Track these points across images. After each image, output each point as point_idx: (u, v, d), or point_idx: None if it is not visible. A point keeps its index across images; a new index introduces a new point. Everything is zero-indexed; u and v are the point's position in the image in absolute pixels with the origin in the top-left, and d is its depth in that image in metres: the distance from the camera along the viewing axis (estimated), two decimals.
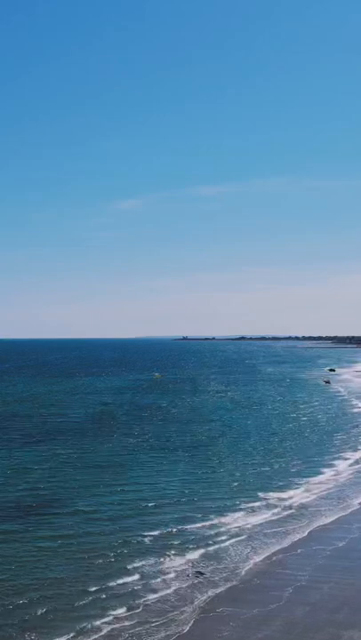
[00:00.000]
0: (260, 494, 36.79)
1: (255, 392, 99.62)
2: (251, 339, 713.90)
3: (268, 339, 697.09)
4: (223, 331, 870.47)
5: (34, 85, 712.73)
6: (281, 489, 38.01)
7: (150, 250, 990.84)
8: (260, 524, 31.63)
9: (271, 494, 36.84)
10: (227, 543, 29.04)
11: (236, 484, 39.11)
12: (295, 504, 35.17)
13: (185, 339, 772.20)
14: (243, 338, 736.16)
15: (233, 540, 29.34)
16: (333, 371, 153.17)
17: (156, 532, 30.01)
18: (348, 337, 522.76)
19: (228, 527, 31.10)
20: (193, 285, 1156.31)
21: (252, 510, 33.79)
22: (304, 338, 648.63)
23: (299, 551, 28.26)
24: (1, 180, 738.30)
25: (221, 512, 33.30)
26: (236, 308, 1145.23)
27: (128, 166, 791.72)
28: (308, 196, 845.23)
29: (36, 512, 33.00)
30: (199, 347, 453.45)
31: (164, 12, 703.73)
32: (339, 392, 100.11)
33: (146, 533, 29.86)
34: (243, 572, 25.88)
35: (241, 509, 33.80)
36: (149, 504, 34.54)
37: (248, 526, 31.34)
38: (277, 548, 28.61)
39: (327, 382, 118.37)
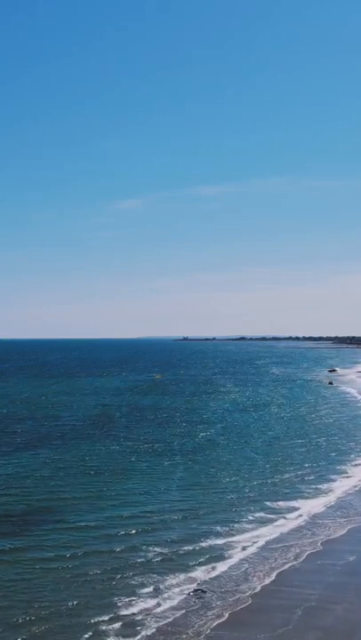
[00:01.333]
0: (266, 504, 34.85)
1: (257, 393, 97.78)
2: (251, 339, 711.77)
3: (269, 339, 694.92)
4: (223, 331, 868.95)
5: (34, 85, 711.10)
6: (287, 498, 36.07)
7: (150, 250, 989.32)
8: (267, 537, 29.69)
9: (277, 504, 34.91)
10: (231, 559, 27.11)
11: (240, 492, 37.15)
12: (303, 515, 33.22)
13: (185, 339, 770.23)
14: (243, 338, 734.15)
15: (238, 555, 27.44)
16: (335, 371, 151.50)
17: (155, 548, 28.01)
18: (348, 337, 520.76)
19: (233, 541, 29.19)
20: (193, 285, 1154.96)
21: (258, 522, 31.82)
22: (304, 338, 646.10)
23: (308, 566, 26.41)
24: (1, 180, 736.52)
25: (224, 523, 31.37)
26: (237, 308, 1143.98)
27: (128, 166, 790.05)
28: (308, 196, 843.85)
29: (26, 526, 30.70)
30: (200, 347, 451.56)
31: (164, 11, 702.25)
32: (343, 393, 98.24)
33: (144, 548, 27.93)
34: (248, 591, 24.01)
35: (245, 521, 31.88)
36: (148, 515, 32.53)
37: (253, 539, 29.41)
38: (285, 563, 26.75)
39: (330, 383, 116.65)
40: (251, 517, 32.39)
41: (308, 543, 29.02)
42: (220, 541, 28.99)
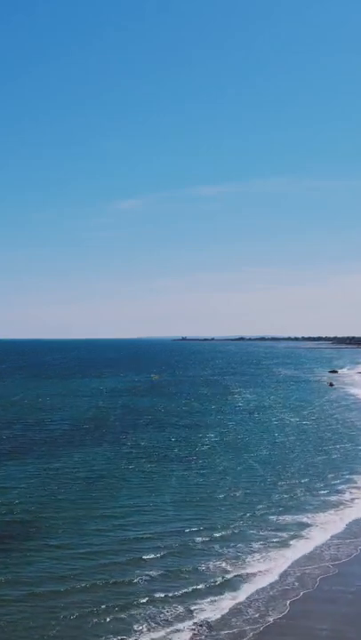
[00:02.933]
0: (271, 519, 31.89)
1: (256, 395, 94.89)
2: (250, 339, 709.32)
3: (268, 339, 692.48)
4: (222, 331, 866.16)
5: (34, 85, 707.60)
6: (294, 512, 33.10)
7: (150, 250, 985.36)
8: (274, 559, 26.66)
9: (283, 519, 31.91)
10: (237, 587, 24.01)
11: (241, 507, 34.08)
12: (312, 532, 30.19)
13: (184, 339, 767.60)
14: (242, 338, 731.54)
15: (244, 583, 24.34)
16: (335, 372, 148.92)
17: (152, 572, 25.07)
18: (347, 337, 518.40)
19: (237, 564, 26.11)
20: (193, 285, 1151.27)
21: (263, 541, 28.79)
22: (303, 338, 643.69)
23: (321, 595, 23.45)
24: (1, 180, 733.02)
25: (226, 544, 28.32)
26: (236, 309, 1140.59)
27: (128, 166, 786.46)
28: (308, 196, 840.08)
29: (7, 551, 27.28)
30: (198, 347, 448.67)
31: (164, 11, 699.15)
32: (347, 395, 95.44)
33: (138, 575, 24.83)
34: (256, 625, 21.14)
35: (250, 541, 28.85)
36: (141, 536, 29.37)
37: (259, 563, 26.31)
38: (296, 590, 23.84)
39: (331, 385, 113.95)
40: (255, 537, 29.37)
41: (320, 567, 26.04)
42: (222, 566, 25.96)
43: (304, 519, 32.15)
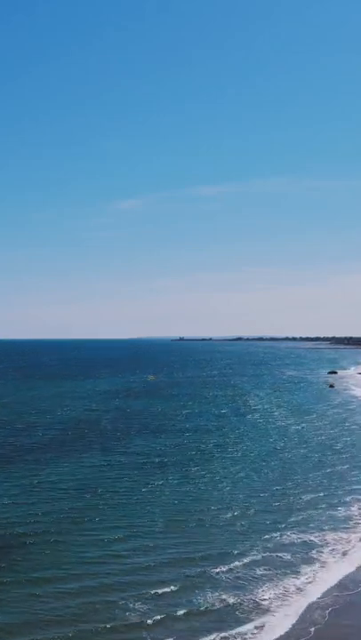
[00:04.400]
0: (274, 537, 28.84)
1: (256, 396, 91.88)
2: (248, 339, 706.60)
3: (266, 339, 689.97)
4: (221, 331, 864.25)
5: (34, 85, 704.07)
6: (298, 529, 29.98)
7: (150, 250, 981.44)
8: (279, 587, 23.58)
9: (287, 537, 28.85)
10: (244, 623, 20.88)
11: (243, 524, 30.91)
12: (322, 553, 27.10)
13: (182, 339, 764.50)
14: (240, 338, 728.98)
15: (250, 619, 21.16)
16: (335, 373, 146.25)
17: (142, 607, 21.87)
18: (346, 337, 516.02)
19: (241, 596, 22.75)
20: (193, 285, 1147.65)
21: (266, 565, 25.63)
22: (302, 338, 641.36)
23: (333, 633, 20.58)
24: (1, 180, 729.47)
25: (228, 570, 25.08)
26: (235, 309, 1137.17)
27: (128, 166, 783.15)
28: (308, 196, 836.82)
29: None
30: (197, 347, 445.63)
31: (164, 11, 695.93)
32: (346, 397, 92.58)
33: (126, 607, 21.68)
34: None
35: (254, 565, 25.64)
36: (131, 560, 26.31)
37: (266, 595, 22.92)
38: (305, 629, 20.90)
39: (331, 386, 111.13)
40: (259, 561, 26.18)
41: (331, 597, 23.03)
42: (225, 599, 22.58)
43: (312, 538, 29.14)
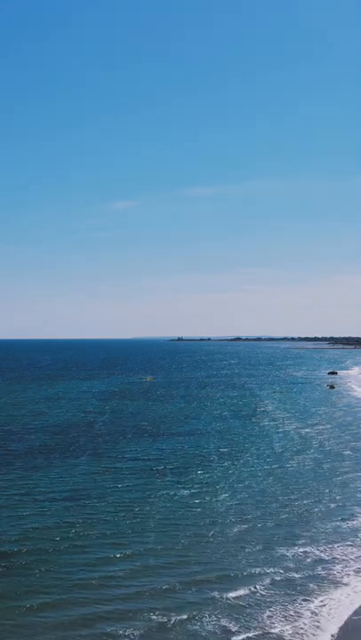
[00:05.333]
0: (281, 553, 26.31)
1: (255, 398, 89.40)
2: (247, 339, 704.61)
3: (264, 339, 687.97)
4: (219, 331, 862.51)
5: (33, 85, 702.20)
6: (306, 545, 27.44)
7: (147, 250, 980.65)
8: (286, 610, 20.96)
9: (295, 553, 26.32)
10: None
11: (245, 537, 28.43)
12: (331, 573, 24.51)
13: (180, 339, 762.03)
14: (238, 338, 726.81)
15: None
16: (335, 373, 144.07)
17: (139, 634, 19.40)
18: (344, 338, 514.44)
19: (248, 626, 20.22)
20: (190, 286, 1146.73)
21: (276, 587, 23.06)
22: (300, 339, 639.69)
23: None
24: (1, 180, 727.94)
25: (232, 592, 22.54)
26: (233, 309, 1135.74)
27: (126, 167, 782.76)
28: (308, 196, 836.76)
29: None
30: (195, 348, 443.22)
31: (163, 12, 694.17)
32: (348, 400, 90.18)
33: (123, 629, 19.42)
34: None
35: (260, 584, 23.18)
36: (126, 576, 23.89)
37: (276, 623, 20.39)
38: None
39: (332, 387, 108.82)
40: (265, 579, 23.63)
41: (351, 622, 20.60)
42: (229, 628, 20.06)
43: (319, 553, 26.67)
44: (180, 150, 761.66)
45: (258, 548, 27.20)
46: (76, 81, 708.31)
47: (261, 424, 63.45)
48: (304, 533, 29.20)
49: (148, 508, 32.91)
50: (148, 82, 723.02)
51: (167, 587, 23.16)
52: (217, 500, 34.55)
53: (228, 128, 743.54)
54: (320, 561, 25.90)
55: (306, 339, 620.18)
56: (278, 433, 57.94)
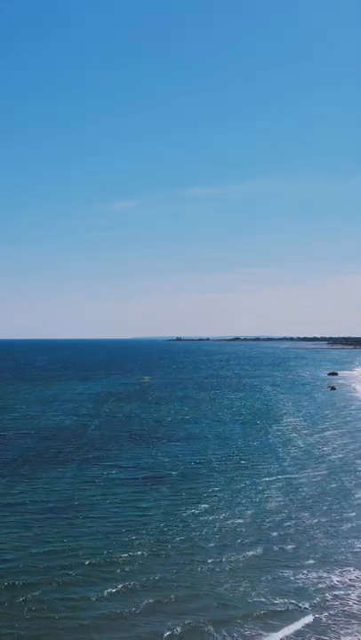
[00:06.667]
0: (287, 576, 23.60)
1: (255, 400, 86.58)
2: (245, 339, 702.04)
3: (263, 339, 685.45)
4: (217, 331, 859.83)
5: (33, 85, 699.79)
6: (317, 568, 24.62)
7: (147, 250, 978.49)
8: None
9: (305, 577, 23.56)
10: None
11: (248, 559, 25.68)
12: (347, 602, 21.72)
13: (179, 339, 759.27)
14: (237, 338, 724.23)
15: None
16: (336, 374, 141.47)
17: None
18: (343, 338, 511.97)
19: None
20: (190, 286, 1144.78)
21: (284, 619, 20.24)
22: (299, 339, 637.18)
23: None
24: (1, 180, 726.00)
25: (234, 626, 19.87)
26: (231, 309, 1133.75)
27: (126, 167, 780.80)
28: (307, 197, 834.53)
29: None
30: (194, 348, 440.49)
31: (164, 12, 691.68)
32: (349, 402, 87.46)
33: None
34: None
35: (266, 616, 20.43)
36: (113, 602, 21.21)
37: None
38: None
39: (333, 388, 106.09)
40: (266, 608, 20.89)
41: None
42: None
43: (331, 576, 23.98)
44: (180, 150, 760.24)
45: (261, 574, 24.44)
46: (76, 81, 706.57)
47: (262, 429, 60.72)
48: (314, 555, 26.45)
49: (140, 523, 30.19)
50: (148, 82, 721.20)
51: (158, 612, 20.53)
52: (216, 517, 31.75)
53: (228, 128, 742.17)
54: (332, 587, 23.19)
55: (305, 339, 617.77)
56: (280, 439, 55.20)
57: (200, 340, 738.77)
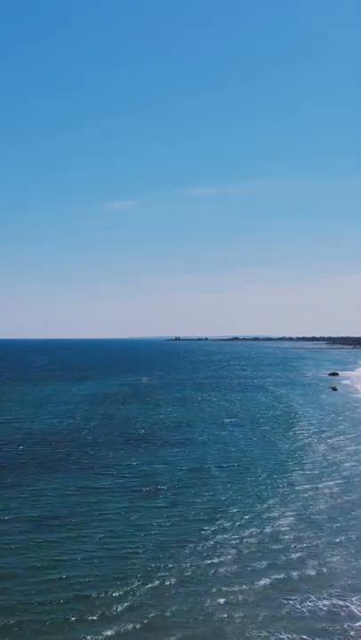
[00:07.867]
0: (293, 606, 21.05)
1: (255, 401, 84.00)
2: (244, 339, 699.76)
3: (262, 339, 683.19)
4: (216, 331, 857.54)
5: (33, 85, 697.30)
6: (329, 597, 22.07)
7: (147, 250, 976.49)
8: None
9: (314, 606, 21.02)
10: None
11: (250, 583, 23.13)
12: (346, 635, 19.51)
13: (177, 339, 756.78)
14: (236, 338, 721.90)
15: None
16: (336, 374, 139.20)
17: None
18: (342, 337, 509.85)
19: None
20: (190, 286, 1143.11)
21: None
22: (298, 338, 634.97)
23: None
24: (1, 180, 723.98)
25: None
26: (230, 309, 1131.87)
27: (125, 167, 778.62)
28: (308, 196, 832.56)
29: None
30: (192, 348, 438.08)
31: (163, 12, 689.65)
32: (351, 403, 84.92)
33: None
34: None
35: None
36: (101, 624, 18.92)
37: None
38: None
39: (334, 389, 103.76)
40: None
41: None
42: None
43: (345, 603, 21.44)
44: (180, 150, 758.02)
45: (260, 597, 21.94)
46: (76, 81, 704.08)
47: (264, 433, 58.12)
48: (317, 578, 23.91)
49: (131, 542, 27.58)
50: (148, 82, 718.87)
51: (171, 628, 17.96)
52: (215, 532, 29.20)
53: (228, 128, 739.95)
54: (348, 618, 20.59)
55: (304, 338, 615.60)
56: (284, 445, 52.55)
57: (199, 339, 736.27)
